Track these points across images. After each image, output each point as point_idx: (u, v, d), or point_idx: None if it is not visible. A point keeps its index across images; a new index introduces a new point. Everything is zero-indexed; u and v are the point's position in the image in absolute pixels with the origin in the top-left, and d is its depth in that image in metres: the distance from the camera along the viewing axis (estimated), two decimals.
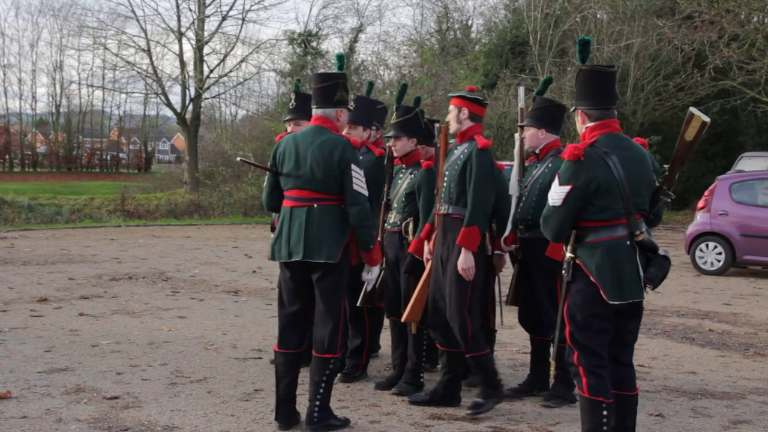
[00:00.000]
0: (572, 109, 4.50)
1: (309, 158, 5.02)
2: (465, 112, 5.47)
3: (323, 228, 4.98)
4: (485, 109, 5.61)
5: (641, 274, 4.29)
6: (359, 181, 5.02)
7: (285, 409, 5.14)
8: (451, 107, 5.55)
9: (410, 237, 5.85)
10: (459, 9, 35.73)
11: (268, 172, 5.24)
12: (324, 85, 5.16)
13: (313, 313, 5.13)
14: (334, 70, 5.45)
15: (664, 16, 23.92)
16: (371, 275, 5.39)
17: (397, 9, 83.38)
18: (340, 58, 5.49)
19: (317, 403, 5.04)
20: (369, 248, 5.15)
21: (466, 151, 5.42)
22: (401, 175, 6.08)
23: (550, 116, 5.88)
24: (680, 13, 22.80)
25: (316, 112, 5.19)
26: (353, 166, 5.00)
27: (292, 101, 6.66)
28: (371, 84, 6.83)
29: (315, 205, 5.02)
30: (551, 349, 5.75)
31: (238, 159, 5.91)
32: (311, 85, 5.28)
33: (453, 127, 5.51)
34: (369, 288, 5.74)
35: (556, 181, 4.34)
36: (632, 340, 4.50)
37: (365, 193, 5.04)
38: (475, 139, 5.41)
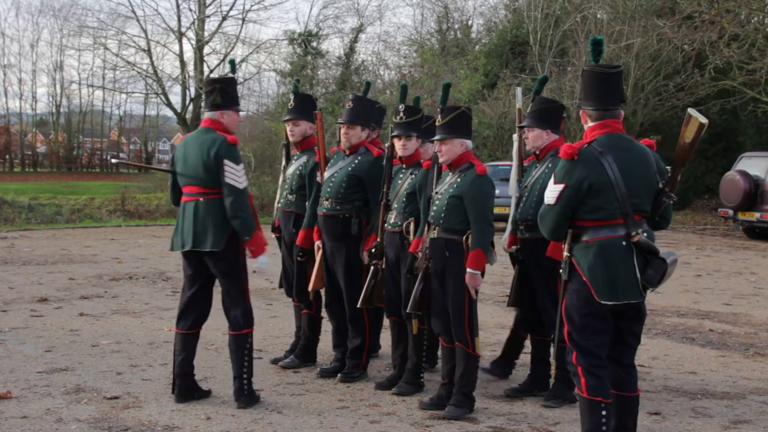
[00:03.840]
0: (581, 110, 4.52)
1: (192, 157, 5.55)
2: None
3: (207, 219, 5.49)
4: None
5: (638, 275, 4.27)
6: (233, 175, 5.47)
7: (181, 384, 5.64)
8: None
9: (411, 237, 5.84)
10: (459, 9, 35.69)
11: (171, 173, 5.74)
12: (206, 91, 5.73)
13: (209, 296, 5.76)
14: (230, 73, 6.06)
15: (664, 16, 23.90)
16: (256, 264, 5.68)
17: (397, 9, 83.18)
18: (231, 62, 5.95)
19: (244, 377, 5.57)
20: (245, 238, 5.54)
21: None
22: (401, 176, 6.06)
23: (554, 117, 5.89)
24: (680, 13, 22.79)
25: (204, 115, 5.75)
26: (227, 161, 5.46)
27: (291, 101, 6.67)
28: (368, 84, 6.82)
29: (201, 199, 5.54)
30: (551, 349, 5.77)
31: (113, 161, 6.49)
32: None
33: None
34: (255, 272, 5.87)
35: (552, 179, 4.37)
36: (634, 341, 4.49)
37: (239, 186, 5.47)
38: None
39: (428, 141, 6.13)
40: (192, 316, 5.71)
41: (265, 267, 5.70)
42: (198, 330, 5.78)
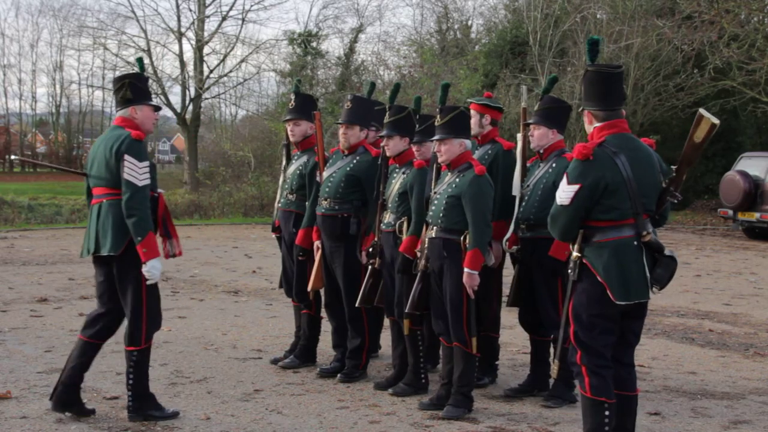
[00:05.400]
0: (580, 110, 4.51)
1: (99, 157, 5.27)
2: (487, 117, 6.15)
3: (107, 222, 5.17)
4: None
5: (647, 274, 4.29)
6: (132, 171, 5.14)
7: (62, 392, 5.26)
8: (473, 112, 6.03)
9: (403, 237, 5.83)
10: (459, 9, 35.61)
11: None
12: (115, 88, 5.44)
13: (121, 309, 5.32)
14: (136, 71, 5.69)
15: (664, 16, 23.88)
16: (145, 269, 5.12)
17: (397, 9, 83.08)
18: (139, 60, 5.75)
19: (129, 393, 5.24)
20: (138, 239, 5.11)
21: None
22: (395, 175, 6.06)
23: (560, 116, 5.89)
24: (680, 13, 22.78)
25: (116, 114, 5.47)
26: (127, 157, 5.14)
27: (292, 101, 6.67)
28: (372, 84, 6.80)
29: (104, 201, 5.24)
30: (551, 350, 5.77)
31: (15, 159, 6.16)
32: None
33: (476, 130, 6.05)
34: (149, 283, 5.23)
35: (564, 180, 4.34)
36: (635, 341, 4.51)
37: (138, 183, 5.13)
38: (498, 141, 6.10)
39: (428, 141, 6.13)
40: (98, 325, 5.35)
41: (155, 273, 5.13)
42: (102, 342, 5.40)
